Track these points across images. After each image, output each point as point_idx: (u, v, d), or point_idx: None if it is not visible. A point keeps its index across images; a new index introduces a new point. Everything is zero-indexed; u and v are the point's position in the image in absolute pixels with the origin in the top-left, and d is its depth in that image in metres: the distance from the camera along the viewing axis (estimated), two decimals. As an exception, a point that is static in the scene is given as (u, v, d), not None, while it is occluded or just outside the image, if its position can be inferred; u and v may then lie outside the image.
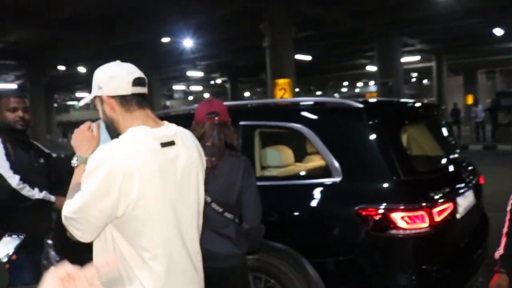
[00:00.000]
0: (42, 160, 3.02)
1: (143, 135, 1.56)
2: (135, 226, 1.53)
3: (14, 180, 2.68)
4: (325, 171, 3.03)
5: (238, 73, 31.84)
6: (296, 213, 3.10)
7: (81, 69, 23.26)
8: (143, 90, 1.66)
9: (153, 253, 1.55)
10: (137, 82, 1.63)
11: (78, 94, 43.12)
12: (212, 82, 39.95)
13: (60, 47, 18.81)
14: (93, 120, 1.83)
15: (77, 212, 1.51)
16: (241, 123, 3.36)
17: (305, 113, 3.35)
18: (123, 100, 1.63)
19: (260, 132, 3.46)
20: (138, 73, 1.66)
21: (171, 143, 1.62)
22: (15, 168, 2.73)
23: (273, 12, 13.66)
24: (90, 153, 1.63)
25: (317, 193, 3.04)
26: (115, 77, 1.62)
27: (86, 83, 31.87)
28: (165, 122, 1.69)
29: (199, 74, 30.04)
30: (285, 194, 3.17)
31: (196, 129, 2.40)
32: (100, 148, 1.59)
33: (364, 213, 2.69)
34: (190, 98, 51.34)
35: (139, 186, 1.49)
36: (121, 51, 19.35)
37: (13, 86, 27.93)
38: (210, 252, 2.18)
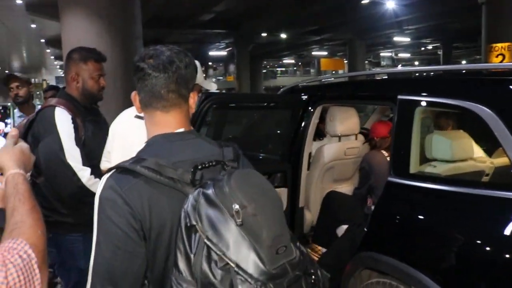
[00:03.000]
0: None
1: None
2: None
3: (85, 174, 2.25)
4: (510, 178, 1.91)
5: (453, 38, 28.34)
6: (452, 240, 1.99)
7: (282, 35, 23.63)
8: None
9: None
10: None
11: (285, 61, 44.78)
12: (422, 48, 36.84)
13: (261, 15, 19.21)
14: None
15: None
16: (399, 97, 2.44)
17: (485, 86, 2.21)
18: None
19: (423, 111, 2.47)
20: None
21: None
22: (86, 152, 2.30)
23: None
24: None
25: (490, 212, 1.90)
26: None
27: (288, 49, 32.63)
28: None
29: (406, 39, 27.79)
30: (445, 206, 2.10)
31: None
32: None
33: None
34: (399, 66, 48.53)
35: None
36: (319, 17, 18.91)
37: (223, 53, 30.21)
38: None
